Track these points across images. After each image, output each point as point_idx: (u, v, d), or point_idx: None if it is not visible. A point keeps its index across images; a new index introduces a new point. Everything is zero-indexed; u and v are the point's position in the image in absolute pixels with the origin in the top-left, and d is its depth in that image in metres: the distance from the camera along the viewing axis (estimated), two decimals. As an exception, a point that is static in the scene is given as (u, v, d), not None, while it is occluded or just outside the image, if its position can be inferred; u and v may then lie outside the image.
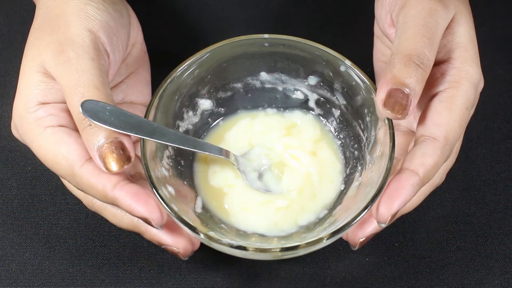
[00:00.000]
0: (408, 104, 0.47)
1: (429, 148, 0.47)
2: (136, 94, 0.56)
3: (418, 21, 0.48)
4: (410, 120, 0.54)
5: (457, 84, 0.49)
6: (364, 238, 0.50)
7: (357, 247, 0.50)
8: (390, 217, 0.46)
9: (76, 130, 0.48)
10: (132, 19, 0.56)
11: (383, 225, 0.47)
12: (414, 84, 0.47)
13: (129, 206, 0.46)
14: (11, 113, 0.50)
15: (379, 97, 0.47)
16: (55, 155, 0.47)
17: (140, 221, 0.48)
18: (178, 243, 0.49)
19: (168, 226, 0.49)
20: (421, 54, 0.47)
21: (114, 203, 0.47)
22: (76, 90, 0.47)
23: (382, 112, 0.48)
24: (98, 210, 0.51)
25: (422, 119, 0.49)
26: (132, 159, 0.47)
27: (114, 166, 0.46)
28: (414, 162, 0.47)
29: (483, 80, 0.51)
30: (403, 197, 0.46)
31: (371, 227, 0.49)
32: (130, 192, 0.46)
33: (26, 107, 0.49)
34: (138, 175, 0.52)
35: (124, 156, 0.46)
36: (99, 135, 0.46)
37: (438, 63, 0.50)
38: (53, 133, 0.48)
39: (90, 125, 0.46)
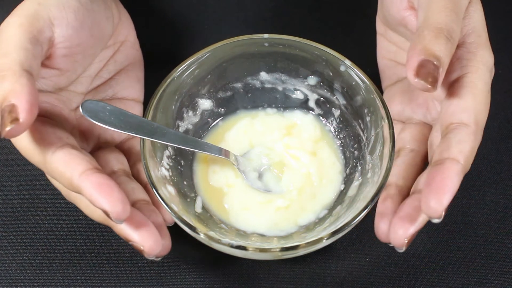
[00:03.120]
0: (438, 75, 0.46)
1: (463, 134, 0.46)
2: (128, 90, 0.56)
3: None
4: (423, 112, 0.54)
5: (475, 68, 0.48)
6: (409, 238, 0.47)
7: (404, 248, 0.48)
8: (444, 211, 0.44)
9: (50, 118, 0.48)
10: (122, 16, 0.56)
11: (437, 221, 0.45)
12: (444, 57, 0.46)
13: (90, 196, 0.44)
14: None
15: (411, 67, 0.46)
16: (29, 143, 0.47)
17: None
18: (144, 241, 0.47)
19: (137, 223, 0.47)
20: (450, 28, 0.47)
21: (79, 192, 0.46)
22: None
23: (413, 83, 0.46)
24: (74, 200, 0.50)
25: (446, 106, 0.48)
26: (21, 120, 0.44)
27: (2, 128, 0.44)
28: (452, 150, 0.45)
29: (494, 67, 0.51)
30: (452, 187, 0.44)
31: (414, 226, 0.47)
32: (94, 182, 0.44)
33: None
34: (121, 171, 0.51)
35: (10, 117, 0.44)
36: None
37: None
38: None
39: None
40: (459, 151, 0.45)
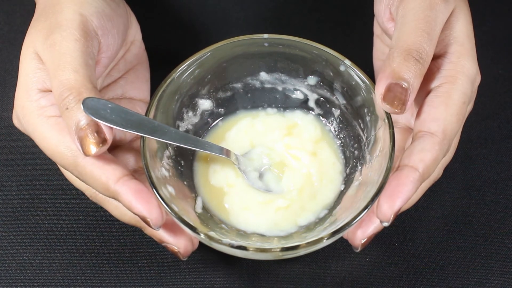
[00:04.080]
0: (407, 98, 0.47)
1: (427, 143, 0.47)
2: (136, 90, 0.56)
3: (417, 15, 0.48)
4: (407, 117, 0.54)
5: (453, 78, 0.49)
6: (365, 239, 0.50)
7: (359, 249, 0.50)
8: (393, 216, 0.46)
9: None
10: (131, 17, 0.57)
11: (386, 224, 0.47)
12: (413, 79, 0.47)
13: (129, 202, 0.46)
14: (11, 113, 0.50)
15: (378, 91, 0.47)
16: (58, 145, 0.47)
17: None
18: (179, 243, 0.49)
19: (170, 225, 0.49)
20: (420, 48, 0.47)
21: (115, 197, 0.47)
22: (56, 72, 0.47)
23: (381, 106, 0.48)
24: (101, 202, 0.51)
25: (419, 115, 0.49)
26: (109, 141, 0.46)
27: (92, 148, 0.45)
28: (413, 158, 0.46)
29: (479, 75, 0.51)
30: (404, 194, 0.46)
31: (371, 228, 0.49)
32: (132, 188, 0.46)
33: (27, 96, 0.48)
34: (141, 170, 0.52)
35: (99, 138, 0.46)
36: (76, 118, 0.46)
37: (434, 58, 0.50)
38: (57, 123, 0.48)
39: (68, 108, 0.46)
40: (419, 159, 0.46)
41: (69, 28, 0.48)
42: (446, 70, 0.49)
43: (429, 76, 0.50)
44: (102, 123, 0.47)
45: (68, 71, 0.46)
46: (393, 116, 0.54)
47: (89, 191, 0.51)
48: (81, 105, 0.46)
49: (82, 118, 0.46)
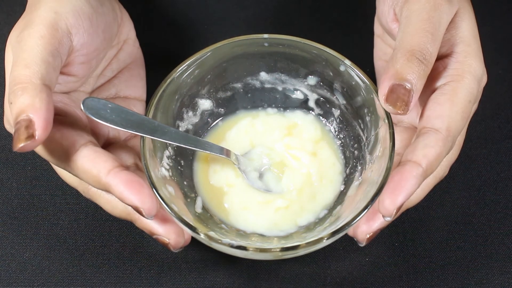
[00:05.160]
0: (410, 100, 0.47)
1: (431, 140, 0.47)
2: (130, 88, 0.56)
3: (422, 16, 0.48)
4: (412, 116, 0.54)
5: (459, 77, 0.49)
6: (371, 234, 0.50)
7: (364, 243, 0.50)
8: (395, 211, 0.46)
9: (68, 116, 0.49)
10: (124, 16, 0.57)
11: (389, 219, 0.47)
12: (416, 80, 0.46)
13: (121, 193, 0.45)
14: None
15: (381, 92, 0.47)
16: (50, 142, 0.47)
17: None
18: (169, 234, 0.49)
19: (161, 217, 0.49)
20: (424, 49, 0.47)
21: (107, 190, 0.46)
22: (12, 68, 0.46)
23: (384, 107, 0.48)
24: (93, 197, 0.51)
25: (423, 112, 0.49)
26: (37, 139, 0.44)
27: (18, 142, 0.44)
28: (416, 153, 0.46)
29: (486, 75, 0.51)
30: (407, 189, 0.45)
31: (377, 223, 0.49)
32: (123, 179, 0.45)
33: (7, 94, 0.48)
34: (134, 166, 0.51)
35: (27, 133, 0.44)
36: (14, 112, 0.45)
37: (440, 57, 0.50)
38: None
39: (11, 102, 0.45)
40: (423, 155, 0.46)
41: (37, 25, 0.48)
42: (453, 69, 0.49)
43: (435, 75, 0.50)
44: (102, 122, 0.47)
45: (20, 67, 0.46)
46: (398, 116, 0.54)
47: (82, 186, 0.51)
48: (81, 106, 0.46)
49: (20, 113, 0.45)
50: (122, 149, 0.53)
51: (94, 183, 0.47)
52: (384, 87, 0.47)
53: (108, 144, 0.53)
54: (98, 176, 0.46)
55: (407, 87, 0.46)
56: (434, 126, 0.47)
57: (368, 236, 0.50)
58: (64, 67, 0.50)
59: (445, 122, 0.47)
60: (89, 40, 0.51)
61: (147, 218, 0.46)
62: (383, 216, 0.47)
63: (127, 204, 0.46)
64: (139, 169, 0.52)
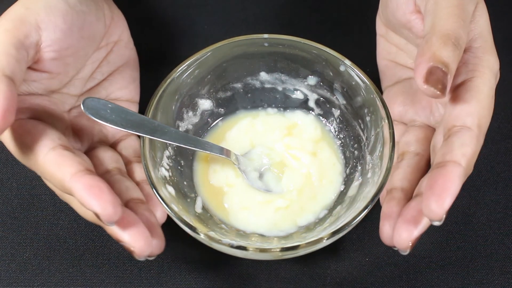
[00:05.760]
0: (447, 82, 0.46)
1: (466, 138, 0.46)
2: (121, 90, 0.56)
3: (452, 2, 0.48)
4: (427, 114, 0.54)
5: (481, 73, 0.48)
6: (413, 240, 0.47)
7: (408, 251, 0.48)
8: (445, 214, 0.44)
9: (42, 120, 0.48)
10: (115, 16, 0.56)
11: (438, 223, 0.45)
12: (452, 64, 0.46)
13: (81, 198, 0.44)
14: None
15: (420, 73, 0.46)
16: (20, 146, 0.47)
17: None
18: (135, 242, 0.47)
19: (128, 223, 0.47)
20: (457, 34, 0.47)
21: (71, 194, 0.46)
22: None
23: (422, 90, 0.46)
24: (68, 200, 0.50)
25: (451, 110, 0.48)
26: None
27: None
28: (455, 153, 0.45)
29: (499, 72, 0.51)
30: (453, 190, 0.44)
31: (418, 228, 0.47)
32: (85, 183, 0.44)
33: None
34: (116, 170, 0.51)
35: None
36: None
37: None
38: (20, 125, 0.47)
39: None
40: (462, 154, 0.45)
41: (4, 20, 0.48)
42: (473, 65, 0.49)
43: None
44: (102, 122, 0.47)
45: None
46: (408, 115, 0.54)
47: (57, 190, 0.51)
48: (81, 105, 0.46)
49: None
50: (106, 152, 0.53)
51: (60, 187, 0.46)
52: (422, 69, 0.46)
53: (93, 148, 0.53)
54: (62, 179, 0.45)
55: (444, 69, 0.46)
56: (465, 124, 0.47)
57: (410, 244, 0.47)
58: (34, 63, 0.49)
59: (475, 119, 0.47)
60: (61, 37, 0.50)
61: (107, 225, 0.45)
62: (431, 221, 0.45)
63: (87, 209, 0.45)
64: (121, 173, 0.51)
